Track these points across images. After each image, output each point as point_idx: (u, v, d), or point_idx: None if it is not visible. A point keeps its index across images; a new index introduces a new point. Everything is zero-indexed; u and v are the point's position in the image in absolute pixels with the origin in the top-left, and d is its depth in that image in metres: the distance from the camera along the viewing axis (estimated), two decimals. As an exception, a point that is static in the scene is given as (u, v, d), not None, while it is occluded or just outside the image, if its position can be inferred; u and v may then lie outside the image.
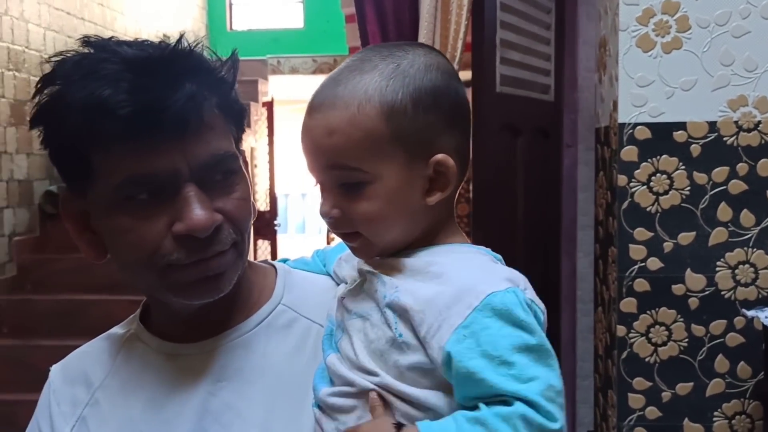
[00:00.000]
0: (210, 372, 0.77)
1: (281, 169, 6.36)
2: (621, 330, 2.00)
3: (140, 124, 0.67)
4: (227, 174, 0.74)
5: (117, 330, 0.85)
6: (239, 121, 0.77)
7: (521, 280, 0.69)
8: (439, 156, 0.70)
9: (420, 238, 0.73)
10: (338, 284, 0.82)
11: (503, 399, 0.61)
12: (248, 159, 4.88)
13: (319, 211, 0.71)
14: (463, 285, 0.66)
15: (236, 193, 0.74)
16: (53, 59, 0.72)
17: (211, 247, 0.71)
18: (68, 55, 0.72)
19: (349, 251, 0.78)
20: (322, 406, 0.73)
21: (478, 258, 0.73)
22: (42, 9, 4.43)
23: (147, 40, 0.74)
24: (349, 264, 0.81)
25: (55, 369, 0.85)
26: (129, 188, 0.69)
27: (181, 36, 0.72)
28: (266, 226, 5.65)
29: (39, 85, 0.73)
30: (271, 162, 5.87)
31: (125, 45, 0.72)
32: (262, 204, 6.02)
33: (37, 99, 0.72)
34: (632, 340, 2.00)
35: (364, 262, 0.75)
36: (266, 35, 7.38)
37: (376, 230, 0.70)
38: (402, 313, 0.67)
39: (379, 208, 0.69)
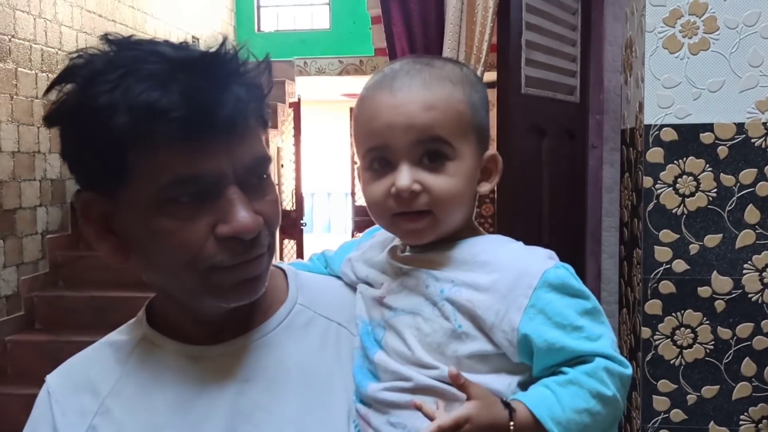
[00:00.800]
0: (236, 372, 0.77)
1: (307, 169, 6.40)
2: (646, 332, 1.99)
3: (193, 127, 0.66)
4: (262, 177, 0.74)
5: (119, 336, 0.83)
6: (267, 125, 0.78)
7: (555, 254, 0.76)
8: (492, 151, 0.80)
9: (460, 230, 0.78)
10: (348, 284, 0.85)
11: (582, 359, 0.69)
12: (275, 159, 4.89)
13: (398, 185, 0.72)
14: (516, 269, 0.71)
15: (269, 195, 0.75)
16: (73, 57, 0.70)
17: (253, 250, 0.72)
18: (92, 53, 0.70)
19: (358, 252, 0.83)
20: (370, 402, 0.75)
21: (513, 244, 0.78)
22: (75, 12, 4.52)
23: (169, 42, 0.73)
24: (365, 264, 0.83)
25: (52, 378, 0.82)
26: (174, 189, 0.68)
27: (225, 39, 0.71)
28: (292, 225, 5.70)
29: (59, 83, 0.70)
30: (297, 162, 5.92)
31: (158, 44, 0.71)
32: (288, 204, 6.07)
33: (59, 97, 0.70)
34: (657, 342, 1.99)
35: (403, 261, 0.78)
36: (293, 36, 7.44)
37: (449, 208, 0.74)
38: (462, 305, 0.72)
39: (457, 185, 0.74)
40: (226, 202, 0.70)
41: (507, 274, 0.71)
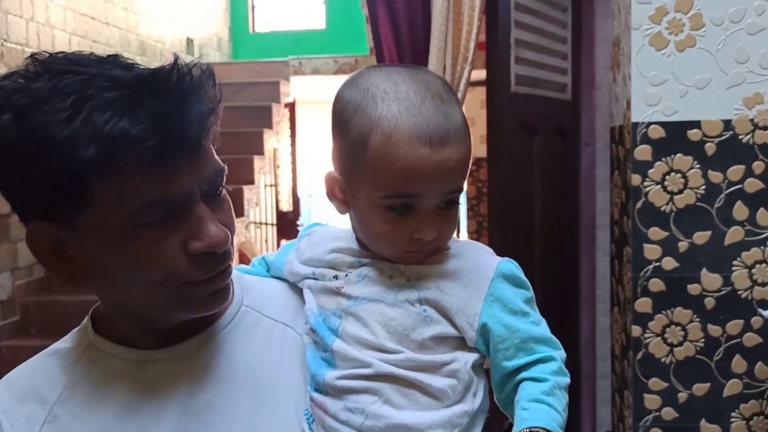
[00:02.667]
0: (186, 375, 0.77)
1: (304, 169, 6.39)
2: (636, 330, 1.99)
3: (164, 152, 0.66)
4: (220, 188, 0.75)
5: (62, 344, 0.82)
6: (217, 135, 0.77)
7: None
8: None
9: None
10: (291, 285, 0.87)
11: (540, 359, 0.76)
12: (271, 160, 4.86)
13: (426, 238, 0.76)
14: (474, 261, 0.80)
15: (225, 204, 0.76)
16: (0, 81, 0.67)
17: (224, 261, 0.74)
18: (22, 76, 0.67)
19: (298, 252, 0.86)
20: (327, 390, 0.77)
21: (462, 241, 0.86)
22: (67, 14, 4.52)
23: (108, 59, 0.71)
24: (306, 264, 0.84)
25: None
26: (145, 214, 0.67)
27: (177, 57, 0.70)
28: (289, 226, 5.69)
29: None
30: (293, 163, 5.91)
31: (102, 64, 0.69)
32: (285, 204, 6.07)
33: None
34: (647, 341, 1.99)
35: (362, 255, 0.81)
36: (288, 36, 7.43)
37: (448, 240, 0.81)
38: (428, 291, 0.77)
39: (456, 222, 0.81)
40: (196, 219, 0.70)
41: (468, 265, 0.79)
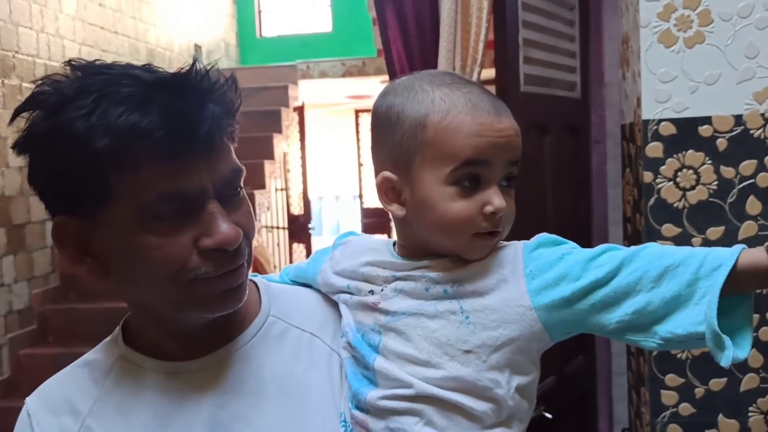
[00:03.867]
0: (215, 386, 0.78)
1: (315, 172, 6.41)
2: (651, 327, 1.99)
3: (174, 145, 0.68)
4: (237, 190, 0.77)
5: (94, 356, 0.85)
6: (236, 138, 0.80)
7: None
8: None
9: None
10: (321, 293, 0.87)
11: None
12: (281, 164, 4.90)
13: (497, 205, 0.76)
14: (506, 251, 0.78)
15: (244, 207, 0.78)
16: (39, 84, 0.72)
17: (236, 260, 0.75)
18: (58, 79, 0.72)
19: (331, 263, 0.85)
20: (368, 408, 0.76)
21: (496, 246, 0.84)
22: (76, 25, 4.56)
23: (136, 65, 0.75)
24: (340, 275, 0.84)
25: (32, 400, 0.83)
26: (158, 207, 0.70)
27: (195, 59, 0.74)
28: (301, 229, 5.72)
29: (25, 111, 0.72)
30: (303, 166, 5.93)
31: (128, 68, 0.73)
32: (296, 208, 6.09)
33: (28, 125, 0.71)
34: (663, 337, 1.98)
35: (396, 268, 0.80)
36: (295, 40, 7.46)
37: (509, 227, 0.80)
38: (468, 297, 0.76)
39: (514, 206, 0.81)
40: (208, 216, 0.72)
41: (498, 258, 0.78)
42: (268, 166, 5.16)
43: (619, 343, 2.67)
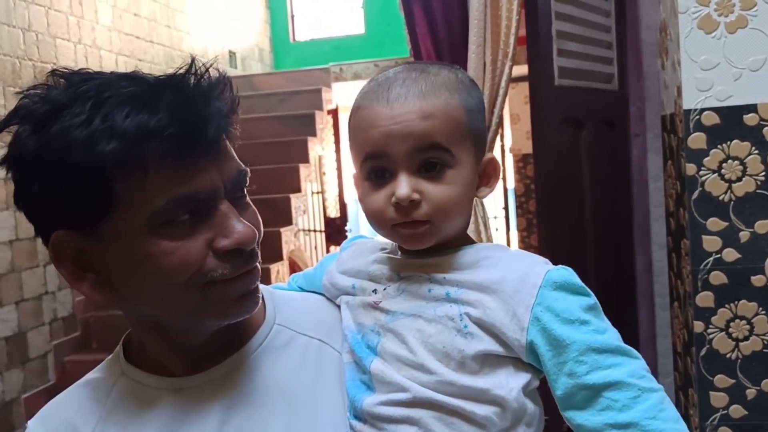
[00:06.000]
0: (219, 400, 0.76)
1: (349, 175, 6.42)
2: (698, 326, 1.91)
3: (184, 145, 0.66)
4: (243, 191, 0.74)
5: (96, 375, 0.82)
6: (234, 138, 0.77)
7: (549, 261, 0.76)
8: (490, 155, 0.80)
9: (459, 236, 0.78)
10: (329, 299, 0.85)
11: (614, 384, 0.66)
12: (316, 167, 4.89)
13: (398, 194, 0.72)
14: (520, 270, 0.72)
15: (251, 208, 0.75)
16: (23, 95, 0.68)
17: (252, 260, 0.72)
18: (42, 90, 0.68)
19: (337, 263, 0.83)
20: (365, 417, 0.73)
21: (512, 250, 0.80)
22: (113, 35, 4.63)
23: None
24: (346, 275, 0.82)
25: (33, 423, 0.80)
26: (170, 211, 0.67)
27: (193, 59, 0.71)
28: (337, 232, 5.70)
29: (10, 124, 0.68)
30: (338, 169, 5.92)
31: (119, 73, 0.70)
32: (332, 211, 6.08)
33: (15, 139, 0.67)
34: (711, 336, 1.90)
35: (400, 267, 0.77)
36: (328, 44, 7.46)
37: (448, 216, 0.74)
38: (469, 306, 0.71)
39: (457, 193, 0.74)
40: (222, 217, 0.70)
41: (511, 276, 0.72)
42: (303, 169, 5.15)
43: (664, 342, 2.58)
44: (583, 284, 0.72)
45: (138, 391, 0.78)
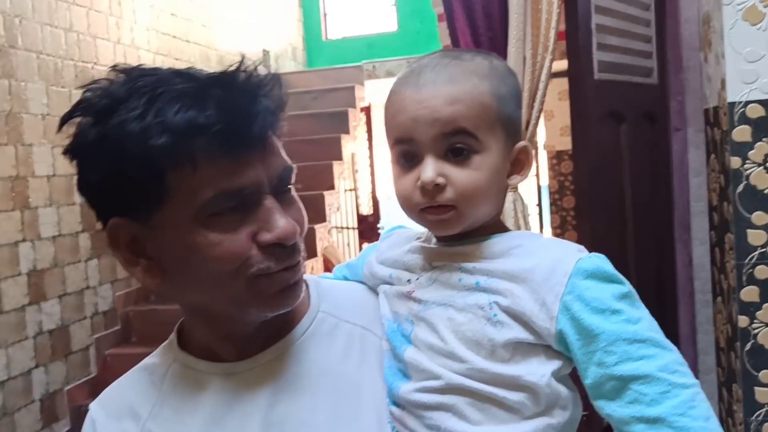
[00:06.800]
0: (266, 385, 0.78)
1: (383, 172, 6.42)
2: (743, 321, 1.89)
3: (232, 140, 0.68)
4: (288, 186, 0.76)
5: (152, 360, 0.85)
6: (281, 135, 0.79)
7: (584, 248, 0.75)
8: (523, 143, 0.79)
9: (490, 224, 0.78)
10: (370, 288, 0.86)
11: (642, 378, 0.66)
12: (350, 164, 4.93)
13: (423, 178, 0.73)
14: (551, 258, 0.71)
15: (296, 204, 0.77)
16: (86, 89, 0.72)
17: (294, 255, 0.75)
18: (104, 84, 0.72)
19: (377, 254, 0.84)
20: (403, 404, 0.75)
21: (544, 237, 0.79)
22: (150, 35, 4.71)
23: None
24: (384, 264, 0.84)
25: (94, 406, 0.84)
26: (217, 204, 0.70)
27: (243, 57, 0.74)
28: (370, 229, 5.73)
29: (74, 116, 0.71)
30: (371, 166, 5.94)
31: (174, 69, 0.73)
32: (365, 208, 6.12)
33: (79, 130, 0.71)
34: (756, 331, 1.88)
35: (432, 256, 0.78)
36: (361, 41, 7.49)
37: (473, 202, 0.74)
38: (499, 295, 0.72)
39: (483, 179, 0.74)
40: (265, 211, 0.72)
41: (542, 264, 0.71)
42: (336, 167, 5.19)
43: (705, 339, 2.55)
44: (616, 272, 0.71)
45: (190, 375, 0.81)
